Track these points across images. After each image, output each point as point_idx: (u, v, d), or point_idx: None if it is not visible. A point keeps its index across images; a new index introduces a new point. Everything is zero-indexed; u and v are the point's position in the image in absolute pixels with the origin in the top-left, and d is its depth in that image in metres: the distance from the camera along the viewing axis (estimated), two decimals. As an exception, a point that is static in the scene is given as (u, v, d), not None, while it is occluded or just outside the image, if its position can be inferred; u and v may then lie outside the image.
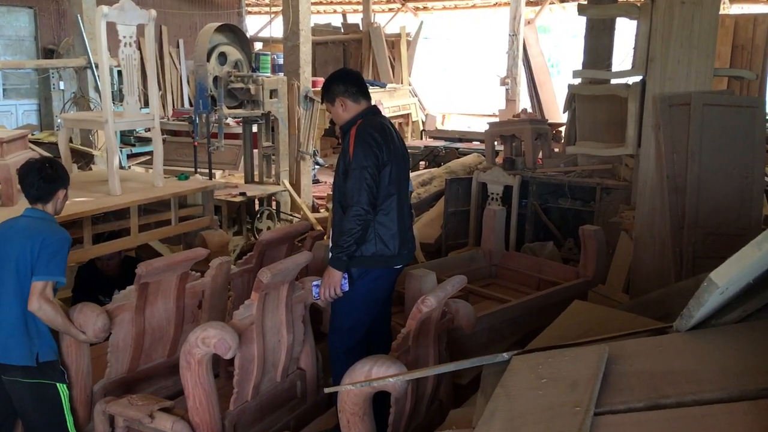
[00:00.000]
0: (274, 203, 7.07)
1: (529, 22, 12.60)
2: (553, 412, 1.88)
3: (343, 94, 3.22)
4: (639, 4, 4.74)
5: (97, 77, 7.45)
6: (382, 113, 3.42)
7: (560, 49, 16.78)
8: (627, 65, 5.20)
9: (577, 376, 2.03)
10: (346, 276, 3.11)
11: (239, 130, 8.00)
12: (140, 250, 4.94)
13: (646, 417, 1.85)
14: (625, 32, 6.62)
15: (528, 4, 12.74)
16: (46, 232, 2.82)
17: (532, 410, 1.93)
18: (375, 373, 2.38)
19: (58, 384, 2.86)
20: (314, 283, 3.19)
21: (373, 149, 3.06)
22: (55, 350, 2.87)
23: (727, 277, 1.92)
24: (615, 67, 6.07)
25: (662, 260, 4.45)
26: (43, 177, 2.91)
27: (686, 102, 4.35)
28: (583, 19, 6.22)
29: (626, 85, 4.84)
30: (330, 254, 3.19)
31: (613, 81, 5.26)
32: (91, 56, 7.44)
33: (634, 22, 4.85)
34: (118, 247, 4.36)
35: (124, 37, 4.39)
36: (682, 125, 4.35)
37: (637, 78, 4.70)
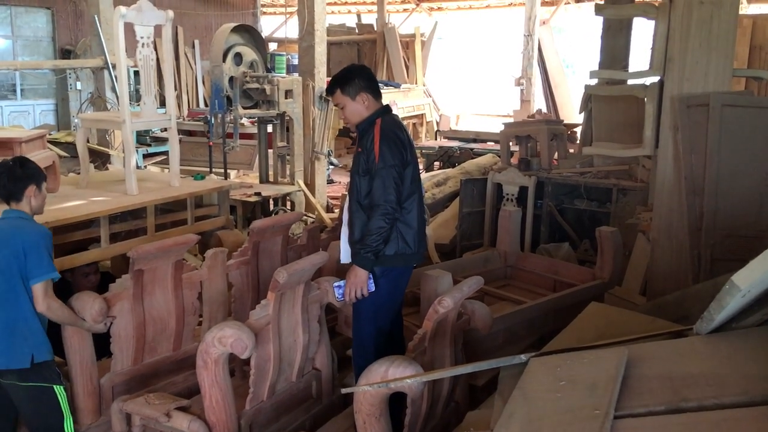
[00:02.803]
0: (288, 203, 7.09)
1: (544, 23, 12.55)
2: (572, 415, 1.87)
3: (366, 90, 3.16)
4: (657, 4, 4.70)
5: (113, 78, 7.50)
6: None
7: (575, 49, 16.69)
8: (644, 66, 5.17)
9: (596, 379, 2.01)
10: (371, 276, 3.08)
11: (254, 130, 8.03)
12: (114, 264, 4.86)
13: (667, 421, 1.83)
14: (642, 32, 6.57)
15: (543, 4, 12.68)
16: (24, 233, 2.79)
17: (550, 413, 1.92)
18: (392, 374, 2.38)
19: (54, 386, 2.84)
20: (336, 284, 3.14)
21: (399, 148, 3.05)
22: (50, 350, 2.86)
23: (750, 280, 1.90)
24: (632, 68, 6.02)
25: (680, 262, 4.41)
26: (11, 176, 2.88)
27: (705, 103, 4.31)
28: (599, 19, 6.19)
29: (644, 86, 4.81)
30: (342, 252, 3.19)
31: (630, 81, 5.23)
32: (107, 57, 7.49)
33: (651, 22, 4.81)
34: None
35: (142, 37, 4.41)
36: (701, 126, 4.30)
37: (655, 78, 4.66)
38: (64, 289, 3.83)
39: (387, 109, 3.25)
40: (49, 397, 2.83)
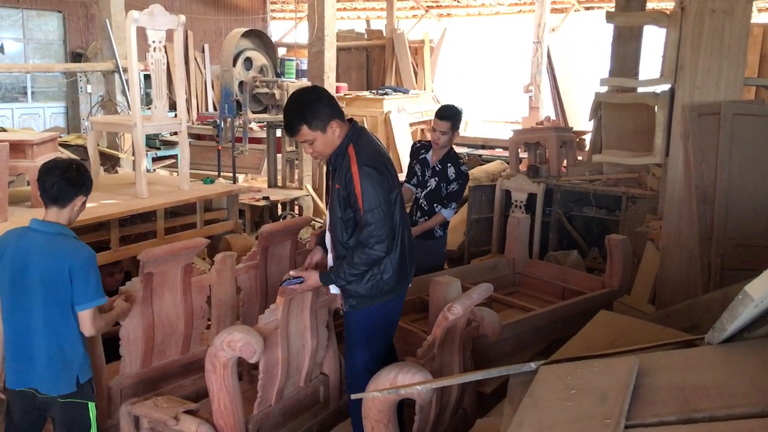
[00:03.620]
0: (296, 208, 7.10)
1: (553, 30, 12.55)
2: (583, 424, 1.86)
3: (334, 116, 2.80)
4: (668, 12, 4.69)
5: (124, 81, 7.54)
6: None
7: (584, 56, 16.66)
8: (654, 74, 5.16)
9: (606, 388, 2.00)
10: None
11: (263, 134, 8.04)
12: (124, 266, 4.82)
13: (678, 431, 1.82)
14: (652, 40, 6.56)
15: (553, 11, 12.68)
16: (70, 255, 2.61)
17: (561, 421, 1.91)
18: (401, 381, 2.37)
19: (89, 402, 2.80)
20: (289, 280, 2.89)
21: (381, 184, 2.80)
22: (91, 366, 2.81)
23: (763, 290, 1.89)
24: (642, 76, 6.01)
25: (689, 271, 4.39)
26: (66, 178, 2.65)
27: (716, 111, 4.30)
28: (609, 27, 6.18)
29: (654, 94, 4.79)
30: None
31: (641, 89, 5.22)
32: (118, 60, 7.53)
33: (662, 30, 4.80)
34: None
35: (154, 41, 4.43)
36: (712, 135, 4.29)
37: (666, 86, 4.65)
38: None
39: (355, 128, 2.91)
40: (81, 414, 2.79)
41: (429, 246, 4.43)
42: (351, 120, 2.96)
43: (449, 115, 4.39)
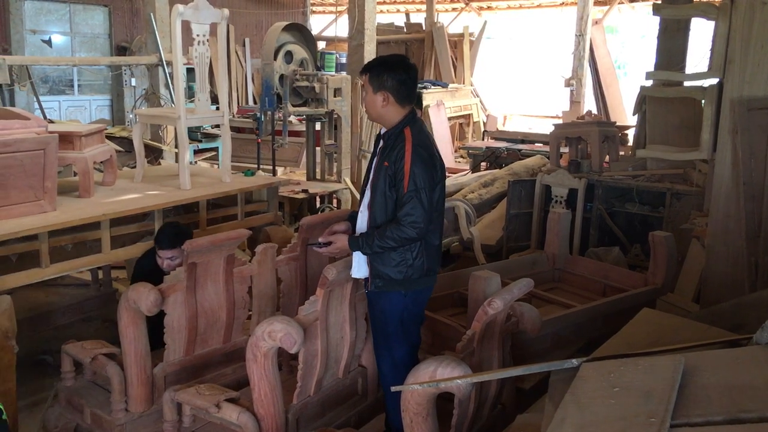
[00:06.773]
0: (335, 200, 7.14)
1: (596, 23, 12.33)
2: (627, 422, 1.83)
3: (390, 90, 2.90)
4: (717, 4, 4.57)
5: (168, 74, 7.66)
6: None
7: (628, 50, 16.38)
8: (701, 67, 5.04)
9: (651, 386, 1.97)
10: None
11: (302, 127, 8.09)
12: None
13: (726, 431, 1.78)
14: (699, 33, 6.41)
15: (596, 3, 12.46)
16: None
17: (603, 419, 1.89)
18: (440, 374, 2.37)
19: None
20: (316, 243, 3.10)
21: (429, 169, 2.86)
22: None
23: (817, 289, 1.83)
24: (688, 69, 5.88)
25: (736, 269, 4.29)
26: None
27: (766, 106, 4.18)
28: (653, 20, 6.08)
29: (702, 88, 4.69)
30: (355, 264, 3.03)
31: (687, 83, 5.10)
32: (162, 54, 7.66)
33: (710, 23, 4.69)
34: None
35: (198, 35, 4.49)
36: (761, 130, 4.18)
37: (714, 80, 4.54)
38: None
39: (414, 115, 2.99)
40: None
41: None
42: (412, 109, 3.01)
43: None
